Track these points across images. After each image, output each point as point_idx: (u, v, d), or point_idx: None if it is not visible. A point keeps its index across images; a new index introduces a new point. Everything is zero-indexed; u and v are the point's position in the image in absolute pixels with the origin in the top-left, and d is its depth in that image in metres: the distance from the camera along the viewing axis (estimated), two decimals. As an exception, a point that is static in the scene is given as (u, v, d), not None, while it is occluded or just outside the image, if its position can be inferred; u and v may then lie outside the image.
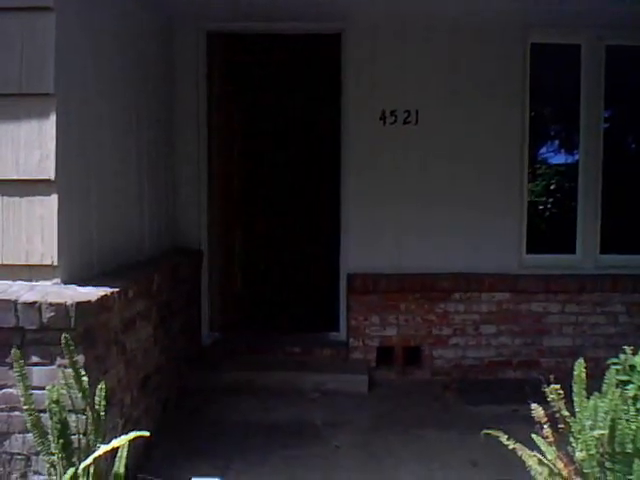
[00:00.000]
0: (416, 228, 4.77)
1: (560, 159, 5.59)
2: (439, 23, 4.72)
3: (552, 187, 5.53)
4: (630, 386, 2.35)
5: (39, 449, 2.12)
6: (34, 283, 2.67)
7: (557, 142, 5.66)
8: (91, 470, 2.05)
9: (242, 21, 4.79)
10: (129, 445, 2.11)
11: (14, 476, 2.44)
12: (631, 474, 2.02)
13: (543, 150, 5.60)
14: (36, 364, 2.42)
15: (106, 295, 2.65)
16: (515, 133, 4.81)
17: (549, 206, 5.59)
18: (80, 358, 2.30)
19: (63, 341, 2.15)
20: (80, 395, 2.17)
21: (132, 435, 2.02)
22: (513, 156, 4.82)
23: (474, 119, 4.77)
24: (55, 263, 2.68)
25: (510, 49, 4.77)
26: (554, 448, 2.24)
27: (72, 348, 2.16)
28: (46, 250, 2.68)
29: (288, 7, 4.59)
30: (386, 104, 4.74)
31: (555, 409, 2.25)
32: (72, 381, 2.17)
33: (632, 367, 2.47)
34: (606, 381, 2.29)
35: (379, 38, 4.73)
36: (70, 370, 2.17)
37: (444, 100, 4.77)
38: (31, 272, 2.70)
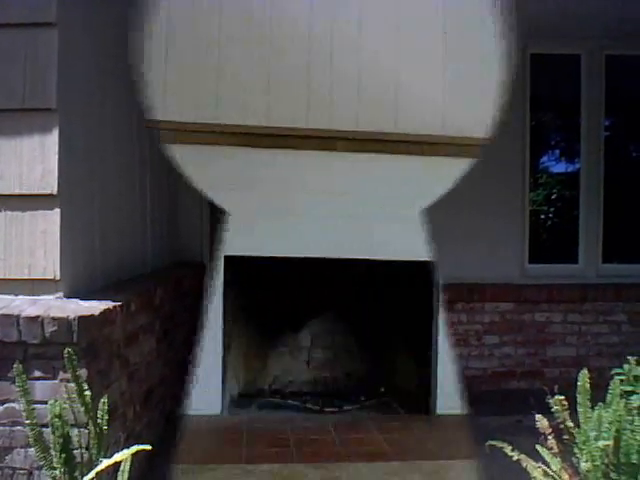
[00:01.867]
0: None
1: (561, 168, 5.60)
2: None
3: (554, 196, 5.53)
4: (634, 397, 2.33)
5: (41, 464, 2.11)
6: (36, 297, 2.67)
7: (558, 151, 5.67)
8: (93, 484, 2.04)
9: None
10: (132, 459, 2.10)
11: (17, 491, 2.43)
12: (637, 485, 2.01)
13: (544, 159, 5.60)
14: (38, 378, 2.41)
15: (109, 309, 2.65)
16: (516, 142, 4.81)
17: (551, 215, 5.60)
18: (83, 372, 2.30)
19: (65, 355, 2.15)
20: (82, 409, 2.16)
21: (134, 449, 2.01)
22: (514, 165, 4.83)
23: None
24: (57, 277, 2.68)
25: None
26: (559, 459, 2.23)
27: (74, 362, 2.16)
28: (48, 264, 2.67)
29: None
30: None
31: (559, 420, 2.24)
32: (74, 395, 2.16)
33: (636, 377, 2.46)
34: (610, 392, 2.28)
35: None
36: (72, 384, 2.16)
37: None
38: (33, 286, 2.69)
